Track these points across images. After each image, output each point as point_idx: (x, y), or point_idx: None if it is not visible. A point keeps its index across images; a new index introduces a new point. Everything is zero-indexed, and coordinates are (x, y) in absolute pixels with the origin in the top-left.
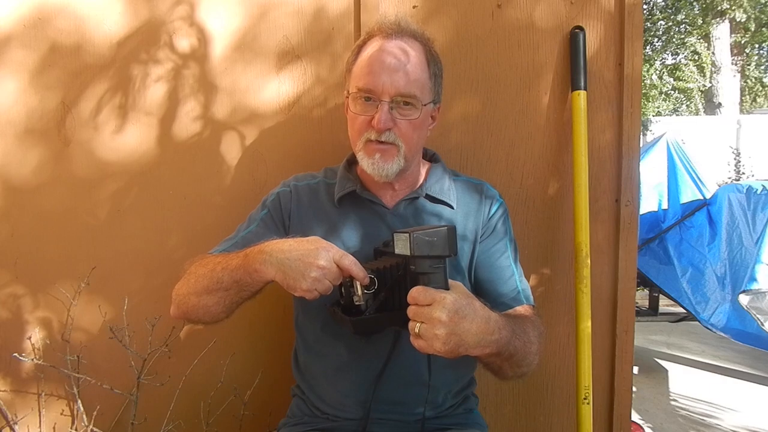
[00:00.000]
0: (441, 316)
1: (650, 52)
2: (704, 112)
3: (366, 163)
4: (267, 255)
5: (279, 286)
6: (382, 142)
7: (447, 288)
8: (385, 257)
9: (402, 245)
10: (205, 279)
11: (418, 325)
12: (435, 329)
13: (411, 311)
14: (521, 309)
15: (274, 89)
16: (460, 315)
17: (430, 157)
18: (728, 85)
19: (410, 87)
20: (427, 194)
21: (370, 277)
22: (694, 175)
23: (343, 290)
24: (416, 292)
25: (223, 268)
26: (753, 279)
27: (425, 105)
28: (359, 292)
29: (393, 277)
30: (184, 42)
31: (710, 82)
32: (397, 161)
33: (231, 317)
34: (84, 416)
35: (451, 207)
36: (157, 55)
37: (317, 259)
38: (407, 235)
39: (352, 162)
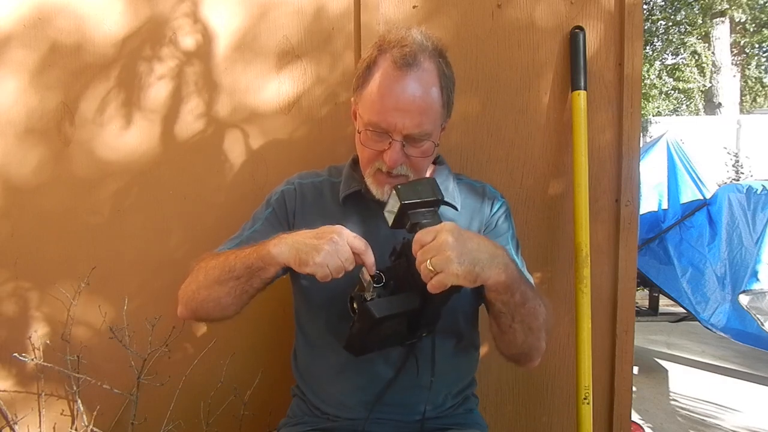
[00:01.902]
0: (447, 238)
1: (650, 52)
2: (704, 112)
3: (374, 189)
4: (281, 239)
5: (280, 285)
6: (392, 175)
7: None
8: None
9: (393, 201)
10: (217, 269)
11: (429, 261)
12: (446, 252)
13: (420, 254)
14: None
15: (274, 89)
16: (465, 236)
17: (434, 159)
18: (728, 85)
19: (424, 126)
20: None
21: (378, 273)
22: (694, 175)
23: (355, 305)
24: (419, 235)
25: (236, 256)
26: (754, 277)
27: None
28: (368, 277)
29: (398, 271)
30: (184, 42)
31: (710, 82)
32: None
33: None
34: (84, 416)
35: (456, 208)
36: (157, 55)
37: (332, 233)
38: (393, 189)
39: (357, 161)
